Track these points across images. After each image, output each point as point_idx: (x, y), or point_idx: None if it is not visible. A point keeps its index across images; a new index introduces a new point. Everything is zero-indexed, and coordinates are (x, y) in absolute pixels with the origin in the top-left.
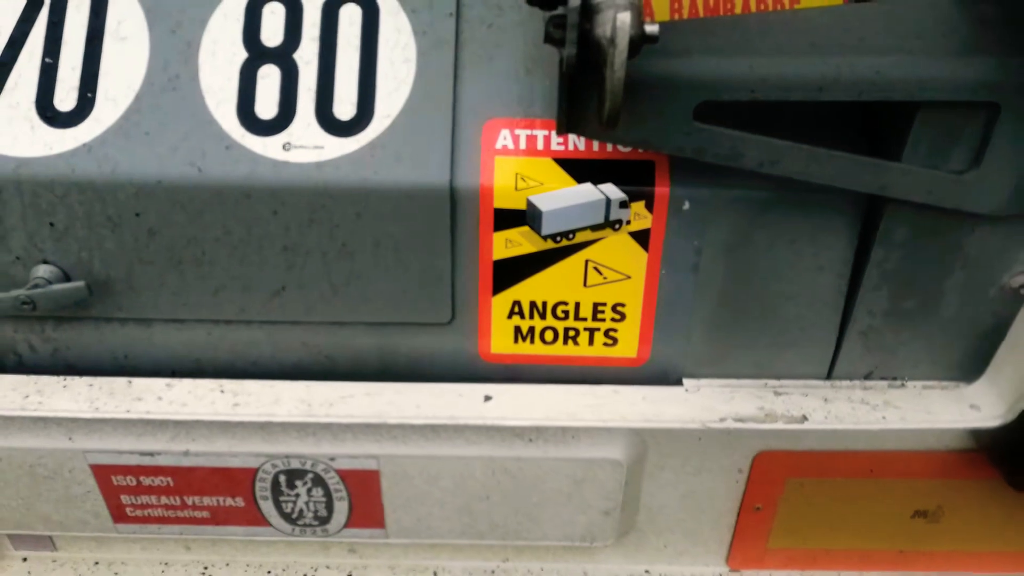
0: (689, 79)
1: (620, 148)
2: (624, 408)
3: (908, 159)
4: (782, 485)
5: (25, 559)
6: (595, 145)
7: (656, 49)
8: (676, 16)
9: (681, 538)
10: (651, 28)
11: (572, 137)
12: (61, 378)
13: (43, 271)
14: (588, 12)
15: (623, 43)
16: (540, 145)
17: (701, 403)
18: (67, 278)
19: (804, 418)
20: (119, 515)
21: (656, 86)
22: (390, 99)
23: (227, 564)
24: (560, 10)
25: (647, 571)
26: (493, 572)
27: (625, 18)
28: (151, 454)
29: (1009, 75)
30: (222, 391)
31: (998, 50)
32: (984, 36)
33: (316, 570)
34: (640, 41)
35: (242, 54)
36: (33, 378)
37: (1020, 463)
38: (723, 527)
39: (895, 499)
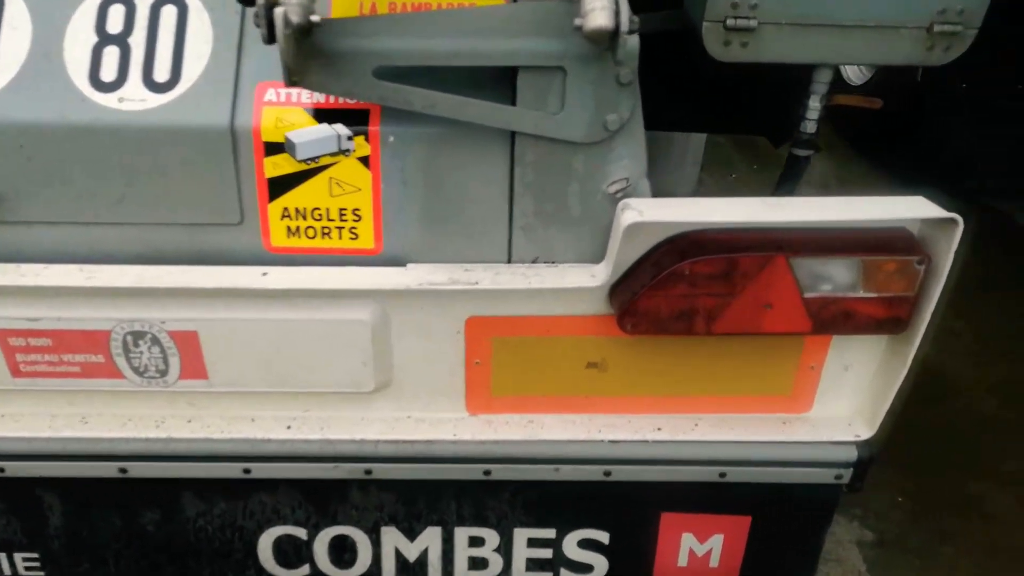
0: (367, 50)
1: (346, 100)
2: (363, 279)
3: (520, 104)
4: (490, 343)
5: None
6: (330, 98)
7: (346, 31)
8: (389, 11)
9: (429, 389)
10: (314, 18)
11: (316, 93)
12: None
13: None
14: (270, 7)
15: (281, 28)
16: (293, 99)
17: (414, 275)
18: None
19: (476, 283)
20: (15, 370)
21: (345, 55)
22: (193, 68)
23: (99, 415)
24: (255, 8)
25: (409, 416)
26: (296, 418)
27: (280, 12)
28: (35, 319)
29: (568, 48)
30: (81, 270)
31: (562, 31)
32: (553, 21)
33: (164, 419)
34: (308, 26)
35: (93, 39)
36: None
37: (618, 309)
38: (458, 379)
39: (572, 353)
